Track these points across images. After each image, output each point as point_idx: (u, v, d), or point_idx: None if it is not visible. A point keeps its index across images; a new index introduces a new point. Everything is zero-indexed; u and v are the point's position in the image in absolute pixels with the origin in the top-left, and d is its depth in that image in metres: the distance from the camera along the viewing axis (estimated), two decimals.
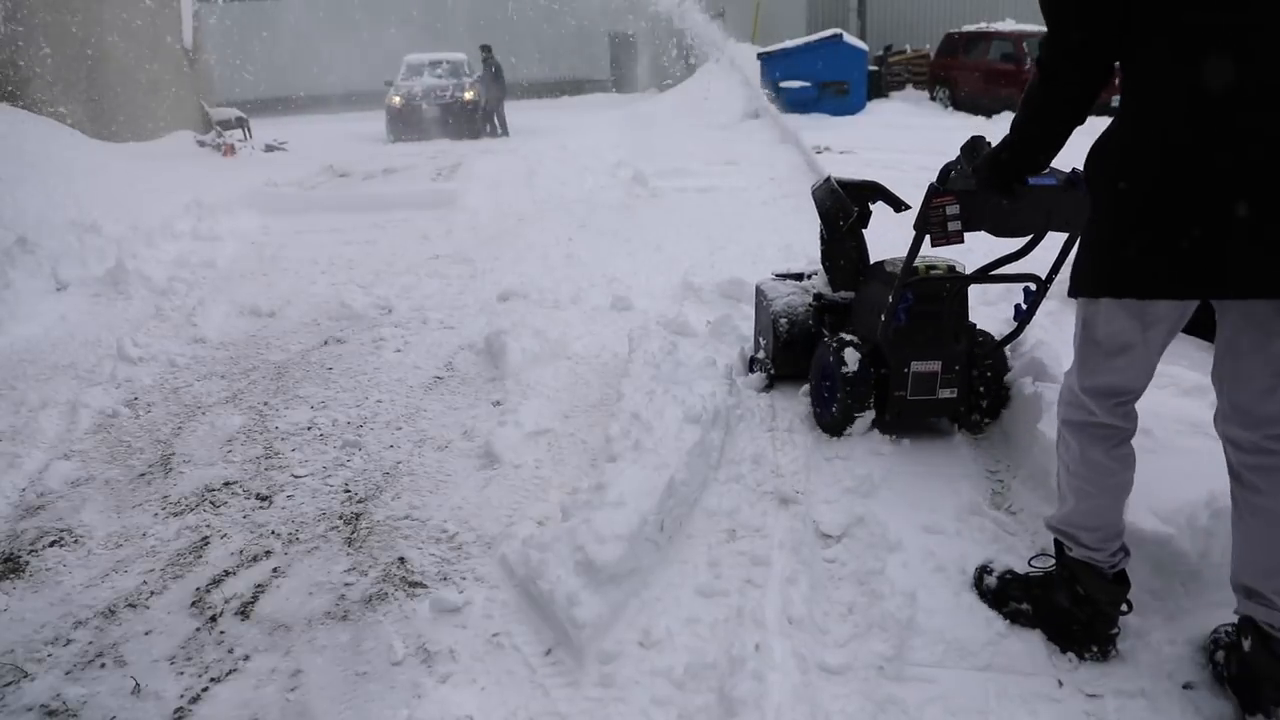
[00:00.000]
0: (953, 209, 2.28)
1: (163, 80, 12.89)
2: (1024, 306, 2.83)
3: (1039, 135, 1.88)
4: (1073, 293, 1.83)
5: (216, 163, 11.51)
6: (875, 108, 16.03)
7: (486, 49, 16.55)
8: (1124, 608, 1.96)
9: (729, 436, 3.04)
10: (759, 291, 3.66)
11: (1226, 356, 1.74)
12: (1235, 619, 1.86)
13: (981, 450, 2.96)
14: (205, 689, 2.06)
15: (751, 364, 3.68)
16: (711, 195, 8.20)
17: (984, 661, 2.00)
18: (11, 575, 2.57)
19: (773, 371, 3.50)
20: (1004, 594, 2.16)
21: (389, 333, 4.57)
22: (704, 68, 17.17)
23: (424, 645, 2.14)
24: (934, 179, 2.34)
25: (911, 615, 2.11)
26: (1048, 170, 2.29)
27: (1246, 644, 1.76)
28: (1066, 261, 2.51)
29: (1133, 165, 1.67)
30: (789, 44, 15.99)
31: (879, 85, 17.12)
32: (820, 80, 15.26)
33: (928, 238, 2.39)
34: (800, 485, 2.74)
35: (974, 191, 2.20)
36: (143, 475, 3.16)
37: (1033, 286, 2.80)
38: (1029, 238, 2.69)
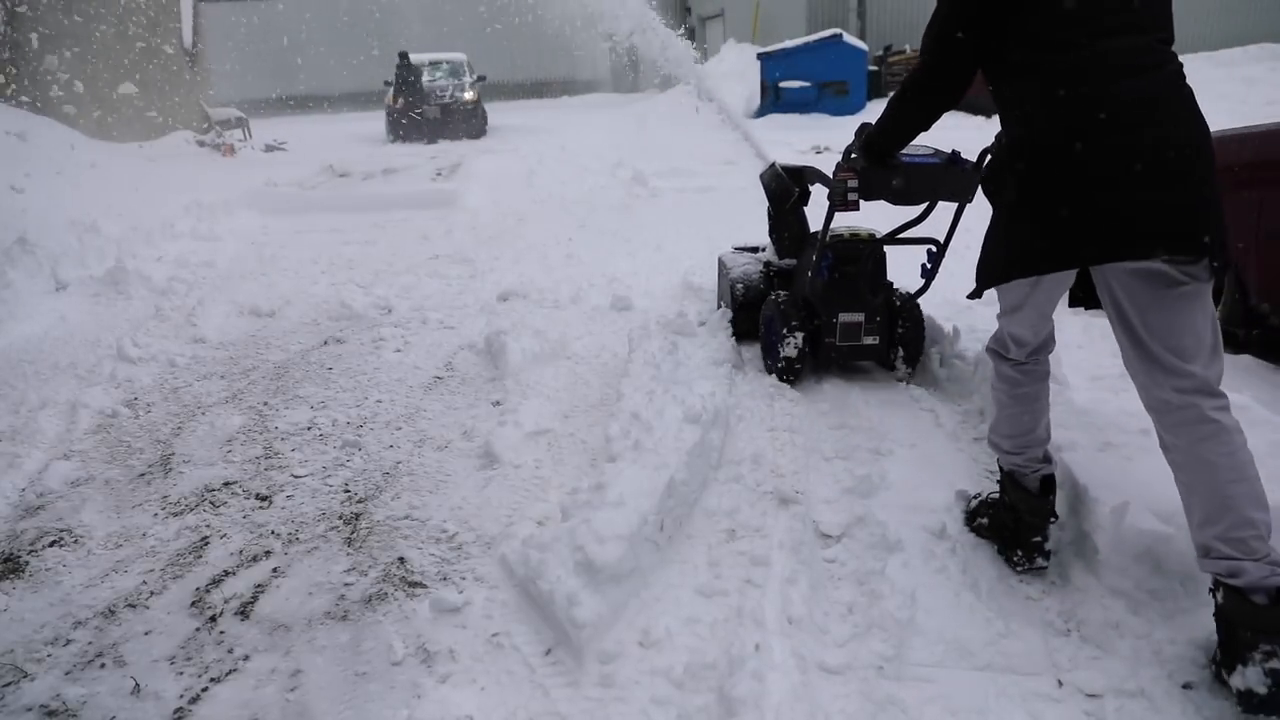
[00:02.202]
0: (852, 183, 2.77)
1: (163, 80, 12.90)
2: (928, 265, 3.31)
3: (895, 129, 2.41)
4: (984, 283, 2.12)
5: (216, 163, 11.52)
6: (875, 108, 15.96)
7: (402, 55, 15.79)
8: (1052, 518, 2.24)
9: (729, 436, 3.04)
10: (721, 263, 4.23)
11: (1122, 337, 1.92)
12: None
13: (981, 450, 2.96)
14: (205, 689, 2.06)
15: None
16: (711, 195, 8.20)
17: (984, 661, 2.00)
18: (11, 575, 2.56)
19: (733, 331, 3.93)
20: (974, 514, 2.49)
21: (389, 333, 4.57)
22: (703, 66, 17.16)
23: (424, 645, 2.14)
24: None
25: (911, 615, 2.11)
26: (933, 151, 2.85)
27: (1219, 597, 1.84)
28: (960, 225, 3.11)
29: (1014, 168, 1.93)
30: (789, 44, 15.99)
31: (879, 85, 17.10)
32: (820, 80, 15.26)
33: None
34: (800, 485, 2.74)
35: (866, 168, 2.69)
36: (142, 475, 3.16)
37: (934, 248, 3.28)
38: (924, 206, 3.22)
